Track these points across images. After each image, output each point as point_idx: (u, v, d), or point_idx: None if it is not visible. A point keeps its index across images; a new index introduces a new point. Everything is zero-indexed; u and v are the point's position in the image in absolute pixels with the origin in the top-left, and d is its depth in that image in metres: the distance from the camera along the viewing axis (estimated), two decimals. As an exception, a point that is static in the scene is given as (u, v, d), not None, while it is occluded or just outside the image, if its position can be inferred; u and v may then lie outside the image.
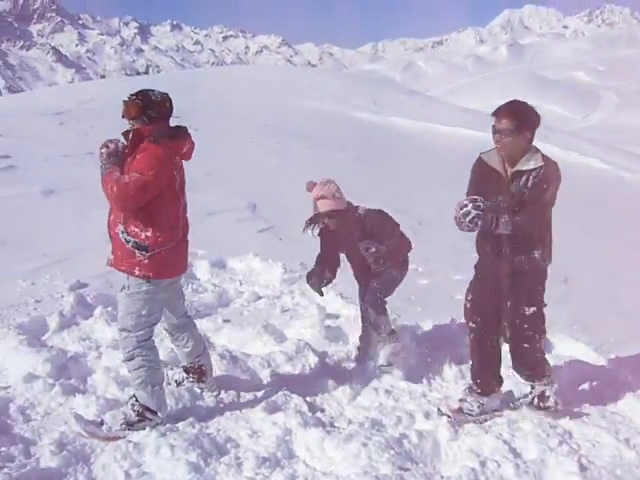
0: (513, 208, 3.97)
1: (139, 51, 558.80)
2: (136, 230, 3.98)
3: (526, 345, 4.22)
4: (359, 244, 4.73)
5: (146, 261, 3.99)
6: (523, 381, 4.43)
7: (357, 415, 4.37)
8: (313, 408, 4.41)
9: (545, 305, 4.25)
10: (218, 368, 4.78)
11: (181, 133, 4.09)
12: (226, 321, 5.92)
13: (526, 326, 4.19)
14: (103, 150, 4.04)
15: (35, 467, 3.61)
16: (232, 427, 4.15)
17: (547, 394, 4.32)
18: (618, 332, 6.04)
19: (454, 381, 4.86)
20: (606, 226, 11.52)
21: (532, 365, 4.32)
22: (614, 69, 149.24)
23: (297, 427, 4.09)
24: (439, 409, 4.35)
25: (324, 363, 5.09)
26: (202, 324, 5.59)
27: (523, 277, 4.13)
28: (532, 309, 4.18)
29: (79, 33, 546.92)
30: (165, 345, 4.96)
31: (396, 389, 4.73)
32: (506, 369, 4.47)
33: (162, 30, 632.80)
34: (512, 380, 4.56)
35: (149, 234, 3.97)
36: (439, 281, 7.33)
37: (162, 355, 4.56)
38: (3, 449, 3.74)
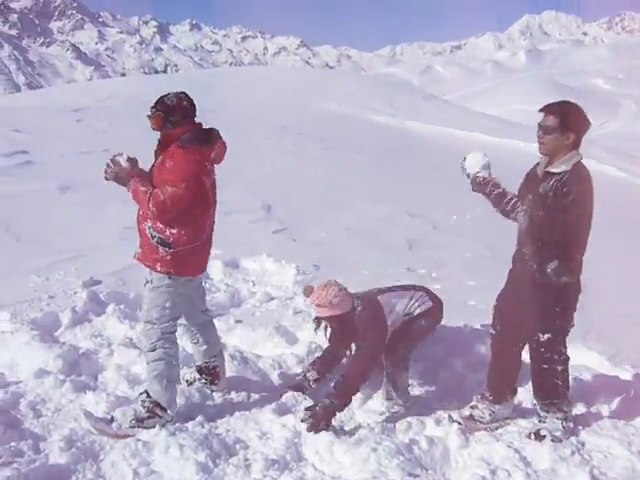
0: (537, 209, 3.88)
1: (158, 50, 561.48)
2: (162, 226, 4.04)
3: (545, 366, 4.05)
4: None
5: (168, 257, 4.05)
6: (538, 409, 4.20)
7: (367, 419, 4.35)
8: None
9: (568, 328, 4.04)
10: (229, 368, 4.77)
11: (212, 137, 4.12)
12: (238, 321, 5.92)
13: (542, 350, 4.03)
14: (108, 175, 4.13)
15: (44, 463, 3.62)
16: (241, 428, 4.14)
17: (557, 434, 4.03)
18: (633, 342, 5.97)
19: (466, 388, 4.81)
20: (622, 235, 11.42)
21: (548, 392, 4.10)
22: (633, 77, 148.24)
23: (306, 430, 4.07)
24: (450, 416, 4.31)
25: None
26: (214, 324, 5.58)
27: (535, 293, 3.96)
28: (547, 336, 4.00)
29: (99, 31, 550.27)
30: (179, 344, 4.96)
31: (410, 395, 4.68)
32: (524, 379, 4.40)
33: (181, 29, 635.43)
34: (526, 388, 4.50)
35: (174, 231, 4.03)
36: (453, 286, 7.28)
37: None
38: (13, 444, 3.75)
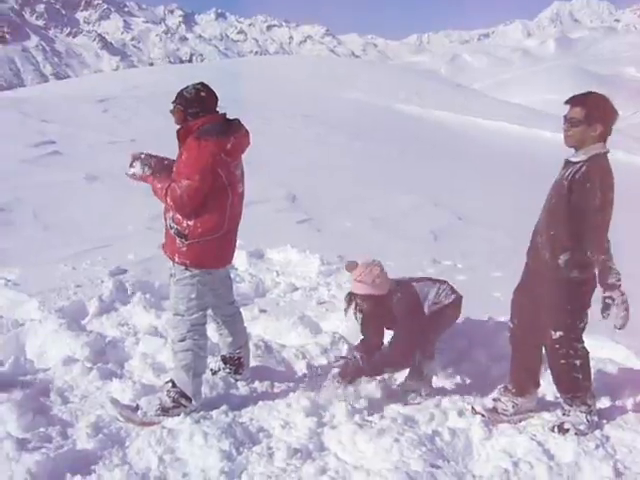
0: (552, 197, 3.88)
1: (183, 39, 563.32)
2: (180, 218, 4.06)
3: (562, 361, 4.00)
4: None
5: (184, 249, 4.06)
6: (562, 402, 4.15)
7: (390, 410, 4.35)
8: (345, 401, 4.39)
9: (580, 326, 3.96)
10: (253, 358, 4.80)
11: (229, 128, 4.08)
12: (262, 311, 5.95)
13: (557, 346, 3.98)
14: (133, 173, 4.21)
15: (72, 448, 3.69)
16: (265, 417, 4.17)
17: (581, 427, 3.98)
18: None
19: (489, 380, 4.79)
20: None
21: (569, 386, 4.06)
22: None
23: (329, 420, 4.10)
24: (473, 407, 4.29)
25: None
26: (238, 313, 5.62)
27: (548, 288, 3.89)
28: (558, 334, 3.94)
29: (124, 21, 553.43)
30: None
31: (432, 387, 4.68)
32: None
33: (206, 19, 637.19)
34: (550, 381, 4.47)
35: (190, 223, 4.04)
36: (478, 277, 7.25)
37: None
38: (41, 429, 3.83)
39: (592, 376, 4.17)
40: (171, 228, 4.11)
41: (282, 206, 10.31)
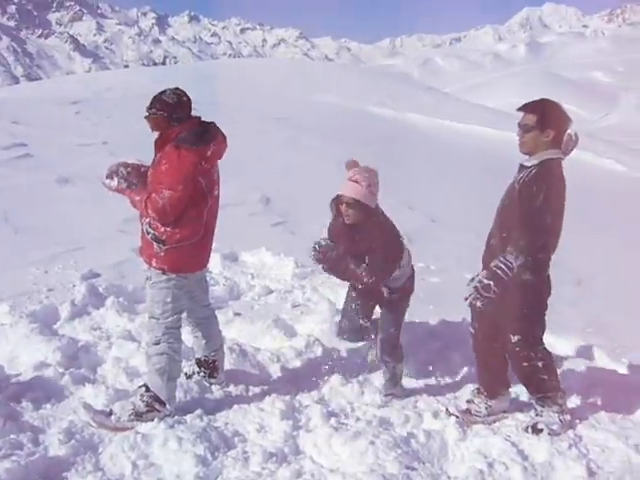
0: (504, 199, 3.95)
1: (156, 42, 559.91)
2: (157, 224, 4.02)
3: (525, 364, 4.02)
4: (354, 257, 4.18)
5: (162, 254, 4.04)
6: (534, 402, 4.18)
7: (365, 413, 4.36)
8: (321, 404, 4.40)
9: (538, 330, 3.99)
10: (227, 361, 4.78)
11: (209, 135, 4.04)
12: (237, 314, 5.93)
13: (517, 349, 4.00)
14: (112, 185, 4.15)
15: (43, 455, 3.63)
16: (240, 421, 4.15)
17: (555, 427, 4.03)
18: (631, 336, 5.98)
19: (463, 381, 4.83)
20: (620, 228, 11.42)
21: (537, 387, 4.10)
22: (633, 70, 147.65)
23: (305, 423, 4.09)
24: (447, 409, 4.32)
25: (333, 359, 5.08)
26: (213, 317, 5.59)
27: (503, 292, 3.81)
28: (517, 337, 3.97)
29: (97, 22, 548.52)
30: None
31: (405, 388, 4.70)
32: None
33: (180, 21, 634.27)
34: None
35: (168, 229, 4.01)
36: (451, 279, 7.29)
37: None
38: (12, 436, 3.76)
39: (559, 375, 4.22)
40: (148, 233, 4.07)
41: (256, 209, 10.29)
